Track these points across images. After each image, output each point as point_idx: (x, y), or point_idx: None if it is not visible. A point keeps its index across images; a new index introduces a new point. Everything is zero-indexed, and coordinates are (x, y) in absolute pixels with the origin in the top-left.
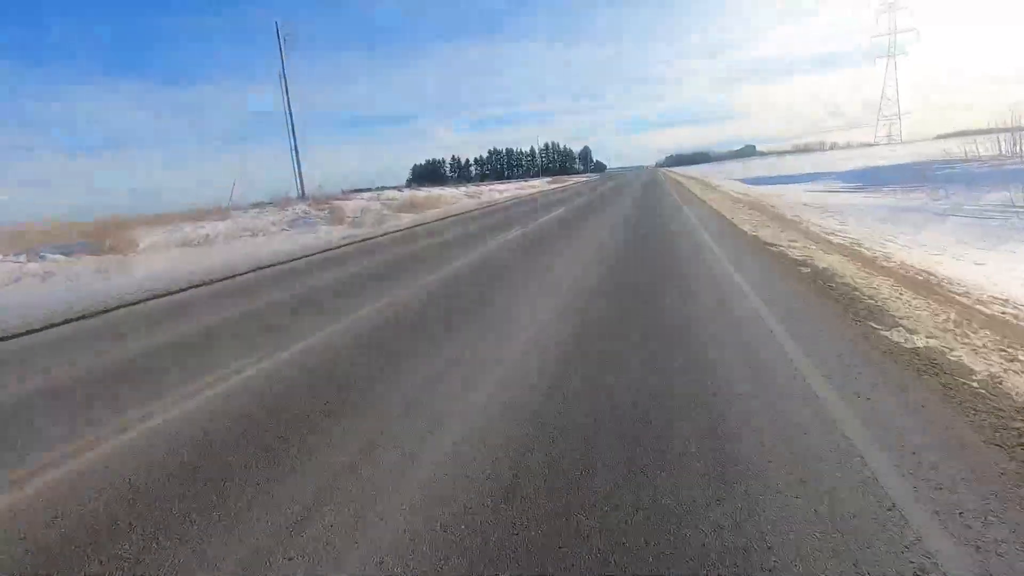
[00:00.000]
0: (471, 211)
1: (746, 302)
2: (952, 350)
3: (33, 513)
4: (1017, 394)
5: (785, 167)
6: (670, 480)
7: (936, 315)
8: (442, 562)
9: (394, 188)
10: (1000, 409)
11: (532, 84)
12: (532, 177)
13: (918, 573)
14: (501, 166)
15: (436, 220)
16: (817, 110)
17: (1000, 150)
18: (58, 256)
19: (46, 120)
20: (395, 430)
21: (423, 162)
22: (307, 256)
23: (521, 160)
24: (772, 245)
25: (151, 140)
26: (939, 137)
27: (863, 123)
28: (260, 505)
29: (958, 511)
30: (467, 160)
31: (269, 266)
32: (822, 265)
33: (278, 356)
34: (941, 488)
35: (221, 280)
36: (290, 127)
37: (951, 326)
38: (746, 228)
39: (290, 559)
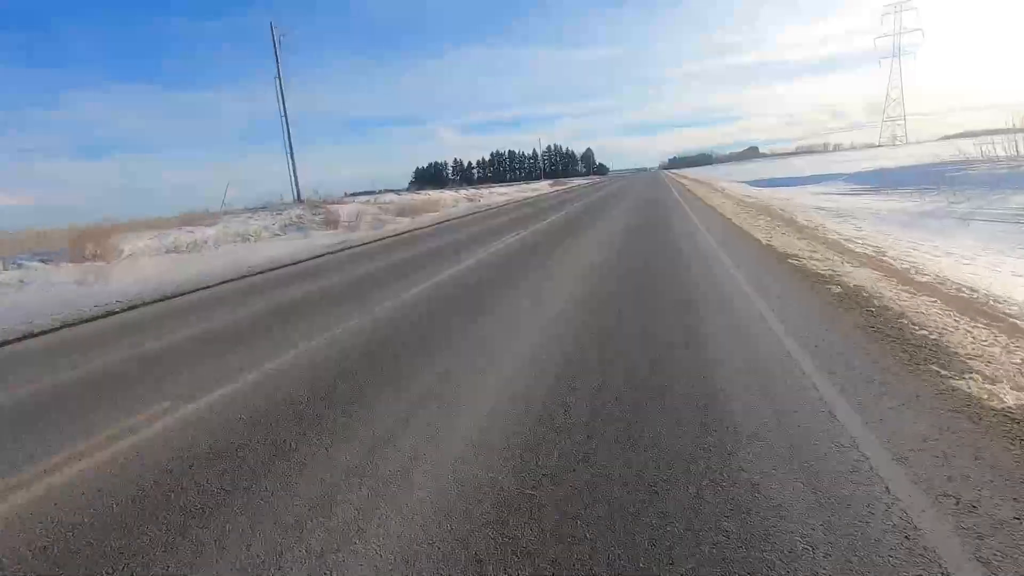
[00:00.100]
0: (467, 215)
1: (779, 346)
2: None
3: None
4: None
5: (790, 169)
6: None
7: (1010, 351)
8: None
9: (393, 191)
10: None
11: (536, 87)
12: (534, 180)
13: None
14: (503, 169)
15: (430, 225)
16: (820, 112)
17: (1018, 151)
18: (36, 263)
19: (44, 124)
20: None
21: (425, 165)
22: (287, 266)
23: (523, 163)
24: (791, 257)
25: (150, 144)
26: (944, 138)
27: (866, 124)
28: None
29: None
30: (469, 163)
31: (245, 276)
32: (852, 283)
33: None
34: None
35: (191, 292)
36: (286, 130)
37: None
38: (759, 236)
39: None
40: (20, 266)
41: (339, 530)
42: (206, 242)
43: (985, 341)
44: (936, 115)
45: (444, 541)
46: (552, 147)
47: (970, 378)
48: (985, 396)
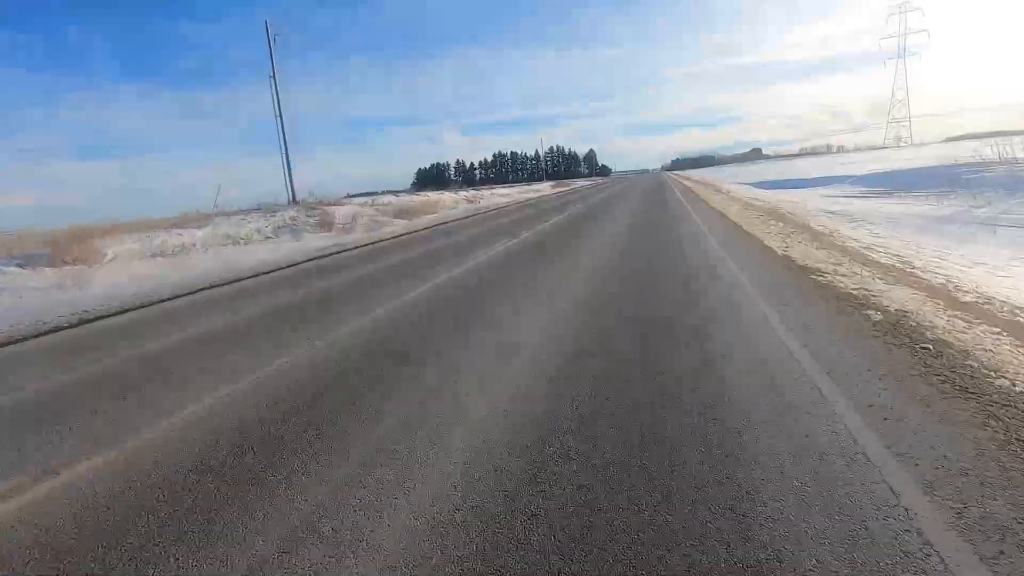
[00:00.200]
0: (466, 217)
1: (832, 420)
2: None
3: None
4: None
5: (796, 170)
6: None
7: None
8: None
9: (394, 192)
10: None
11: (538, 88)
12: (536, 181)
13: None
14: (505, 170)
15: (427, 228)
16: (823, 113)
17: None
18: (13, 268)
19: (45, 124)
20: None
21: (428, 166)
22: (270, 272)
23: (525, 164)
24: (814, 272)
25: (151, 145)
26: (948, 140)
27: (870, 126)
28: None
29: None
30: (471, 164)
31: (222, 284)
32: (891, 306)
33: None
34: None
35: (166, 300)
36: (280, 131)
37: None
38: (773, 245)
39: None
40: None
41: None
42: (194, 245)
43: None
44: (940, 117)
45: None
46: (555, 148)
47: None
48: None
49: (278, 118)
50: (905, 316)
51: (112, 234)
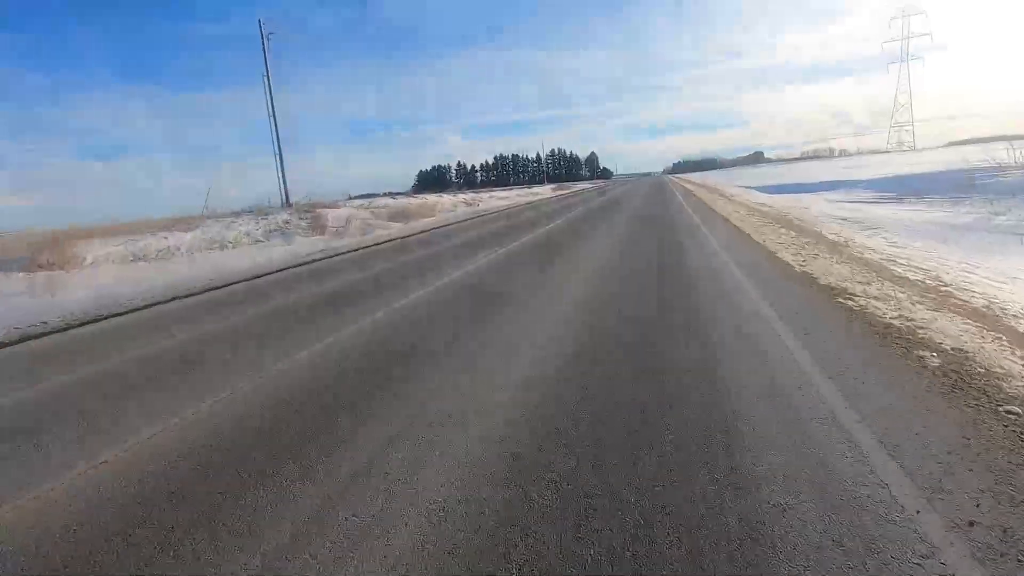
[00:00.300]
0: (463, 220)
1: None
2: None
3: None
4: None
5: (799, 174)
6: None
7: None
8: None
9: (397, 194)
10: None
11: (540, 90)
12: (537, 184)
13: None
14: (506, 172)
15: (422, 231)
16: (825, 116)
17: None
18: None
19: (47, 124)
20: None
21: (429, 168)
22: (248, 280)
23: (527, 166)
24: (842, 293)
25: (153, 145)
26: (950, 144)
27: (873, 130)
28: None
29: None
30: (472, 166)
31: (194, 294)
32: (946, 342)
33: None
34: None
35: (120, 314)
36: (274, 131)
37: None
38: (787, 257)
39: None
40: None
41: None
42: (179, 249)
43: None
44: (942, 121)
45: None
46: (556, 151)
47: None
48: None
49: (271, 118)
50: (967, 360)
51: (96, 237)
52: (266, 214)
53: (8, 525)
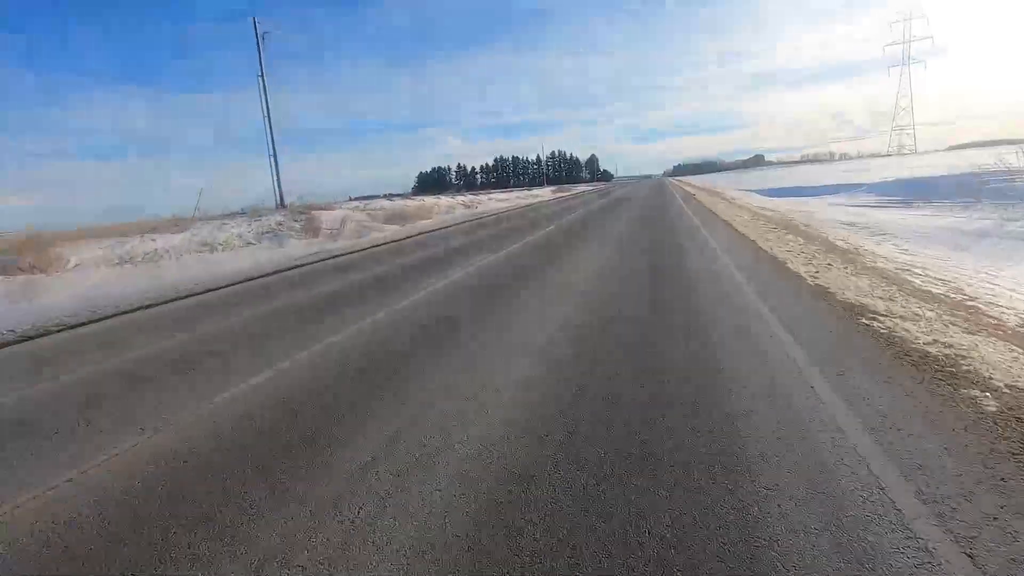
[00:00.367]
0: (460, 223)
1: None
2: None
3: None
4: None
5: (800, 177)
6: None
7: None
8: None
9: (393, 196)
10: None
11: (541, 92)
12: (537, 186)
13: None
14: (506, 174)
15: (418, 234)
16: (826, 120)
17: None
18: None
19: (49, 125)
20: None
21: (429, 170)
22: (231, 285)
23: (527, 168)
24: (863, 312)
25: (154, 146)
26: (951, 148)
27: (873, 133)
28: None
29: None
30: (473, 168)
31: (172, 300)
32: (995, 376)
33: None
34: None
35: (85, 324)
36: (268, 132)
37: None
38: (798, 268)
39: None
40: None
41: None
42: (167, 251)
43: None
44: (943, 125)
45: None
46: (556, 153)
47: None
48: None
49: (266, 118)
50: None
51: (83, 239)
52: (259, 216)
53: None
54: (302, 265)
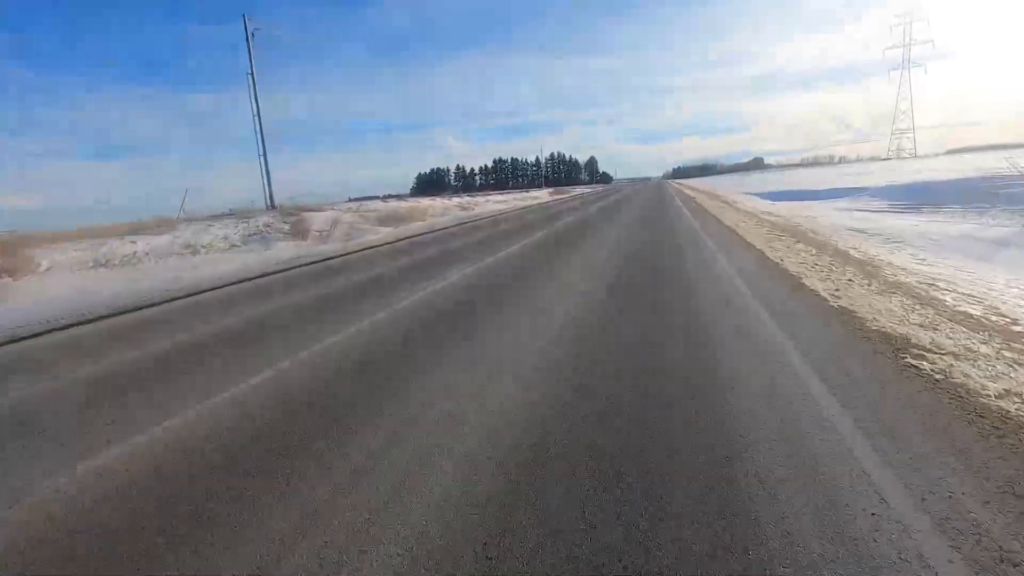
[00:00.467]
0: (454, 226)
1: None
2: None
3: None
4: None
5: (802, 180)
6: None
7: None
8: None
9: (384, 198)
10: None
11: (541, 94)
12: (535, 188)
13: None
14: (505, 176)
15: (409, 237)
16: (826, 123)
17: None
18: None
19: (51, 126)
20: None
21: (427, 171)
22: (204, 292)
23: (526, 170)
24: (902, 345)
25: (158, 146)
26: (950, 152)
27: (873, 137)
28: None
29: None
30: (471, 169)
31: (140, 308)
32: None
33: None
34: None
35: (27, 337)
36: (258, 131)
37: None
38: (815, 284)
39: None
40: None
41: None
42: (147, 254)
43: None
44: (943, 128)
45: None
46: (555, 154)
47: None
48: None
49: (255, 117)
50: None
51: (61, 241)
52: (247, 217)
53: None
54: (283, 270)
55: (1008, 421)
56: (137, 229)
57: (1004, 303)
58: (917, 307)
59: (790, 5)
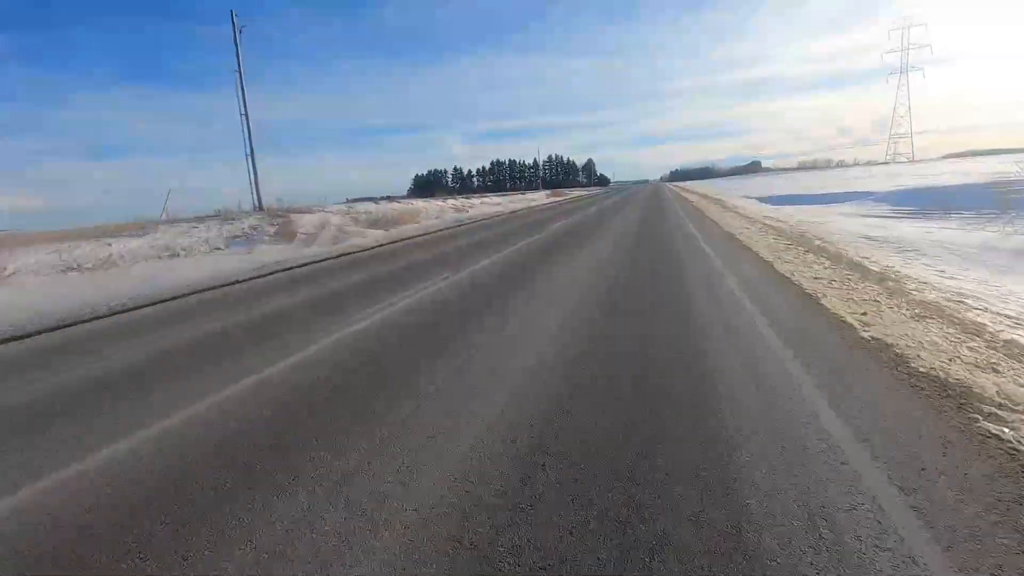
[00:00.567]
0: (447, 228)
1: None
2: None
3: None
4: None
5: (801, 185)
6: None
7: None
8: None
9: (372, 200)
10: None
11: (540, 97)
12: (532, 190)
13: None
14: (503, 178)
15: (396, 241)
16: (826, 127)
17: None
18: None
19: (53, 126)
20: None
21: (425, 172)
22: (169, 300)
23: (524, 172)
24: (970, 403)
25: (159, 147)
26: (947, 157)
27: (870, 141)
28: None
29: None
30: (469, 171)
31: (85, 321)
32: None
33: None
34: None
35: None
36: (246, 131)
37: None
38: (838, 307)
39: None
40: None
41: None
42: (122, 257)
43: None
44: (939, 133)
45: None
46: (553, 157)
47: None
48: None
49: (243, 116)
50: None
51: (35, 244)
52: (233, 219)
53: None
54: (261, 276)
55: None
56: (114, 231)
57: None
58: (963, 338)
59: (789, 10)
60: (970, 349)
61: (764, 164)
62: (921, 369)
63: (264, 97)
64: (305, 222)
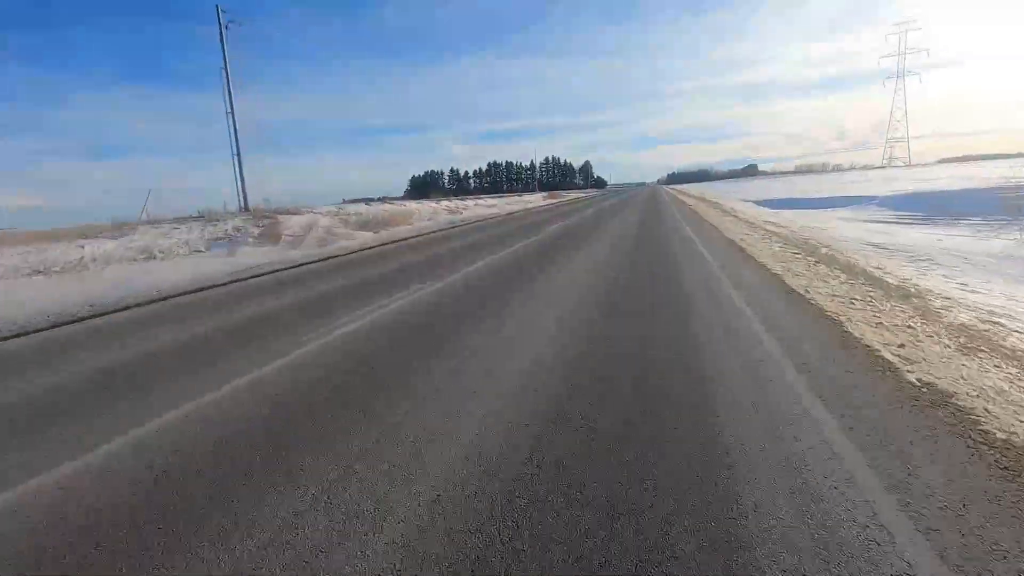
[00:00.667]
0: (439, 230)
1: None
2: None
3: None
4: None
5: (800, 188)
6: None
7: None
8: None
9: (365, 201)
10: None
11: (539, 99)
12: (529, 192)
13: None
14: (500, 179)
15: (385, 243)
16: (824, 131)
17: None
18: None
19: (54, 126)
20: None
21: (422, 173)
22: (132, 307)
23: (520, 174)
24: None
25: (160, 147)
26: (943, 161)
27: (867, 145)
28: None
29: None
30: (466, 172)
31: (30, 332)
32: None
33: None
34: None
35: None
36: (232, 130)
37: None
38: (866, 333)
39: None
40: None
41: None
42: (94, 260)
43: None
44: (934, 137)
45: None
46: (550, 159)
47: None
48: None
49: (229, 115)
50: None
51: (4, 246)
52: (217, 220)
53: None
54: (240, 280)
55: None
56: (86, 232)
57: None
58: (991, 361)
59: (788, 13)
60: (1015, 394)
61: (761, 167)
62: (996, 433)
63: (264, 97)
64: (292, 224)
